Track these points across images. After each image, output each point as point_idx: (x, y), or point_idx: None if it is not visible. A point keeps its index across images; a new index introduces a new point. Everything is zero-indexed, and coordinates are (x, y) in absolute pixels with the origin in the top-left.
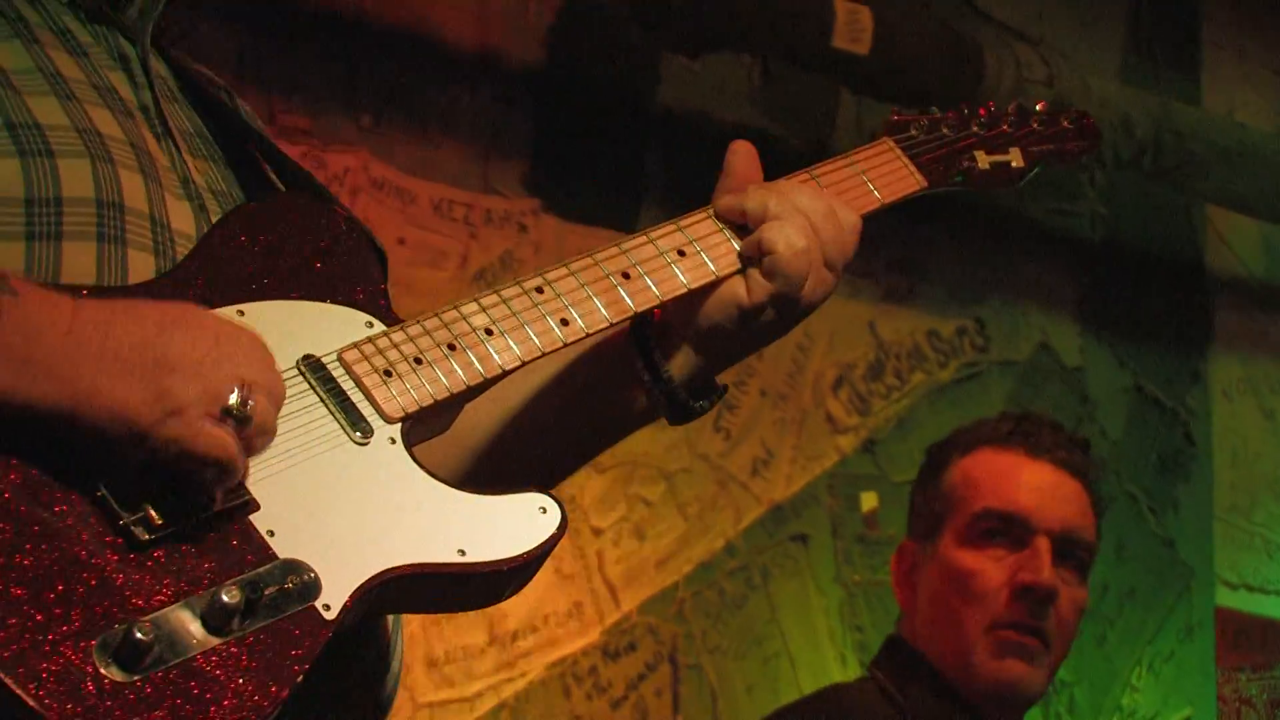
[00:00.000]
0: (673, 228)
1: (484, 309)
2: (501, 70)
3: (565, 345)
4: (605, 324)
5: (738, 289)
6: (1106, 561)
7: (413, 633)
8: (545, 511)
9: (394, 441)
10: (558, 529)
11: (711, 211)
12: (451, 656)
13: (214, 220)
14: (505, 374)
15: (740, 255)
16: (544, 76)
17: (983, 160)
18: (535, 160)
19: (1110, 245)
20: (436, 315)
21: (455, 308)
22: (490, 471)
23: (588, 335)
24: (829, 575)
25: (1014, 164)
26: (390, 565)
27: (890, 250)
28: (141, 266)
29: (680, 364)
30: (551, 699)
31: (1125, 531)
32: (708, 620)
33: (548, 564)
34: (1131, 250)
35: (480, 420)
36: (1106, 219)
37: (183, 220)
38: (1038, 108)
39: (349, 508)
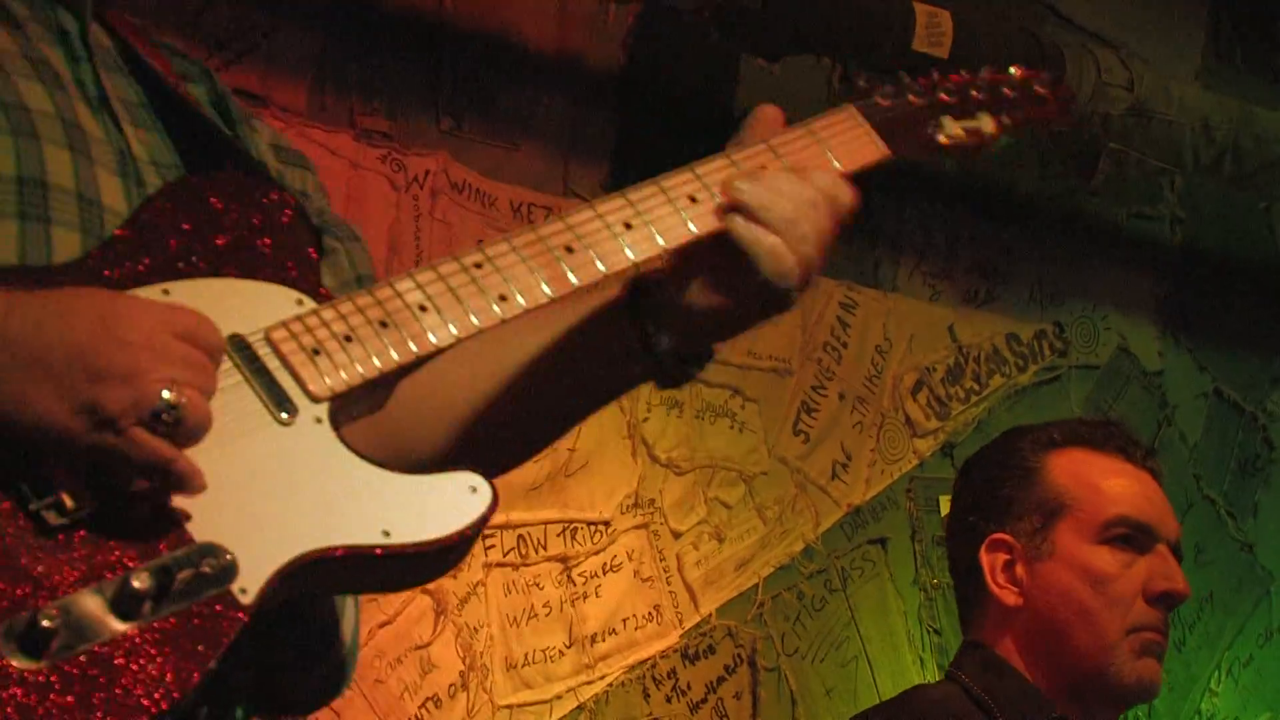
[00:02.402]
0: (621, 201)
1: (420, 285)
2: (581, 73)
3: (503, 321)
4: (546, 299)
5: (734, 280)
6: (1185, 566)
7: (491, 634)
8: (476, 491)
9: (320, 421)
10: (488, 508)
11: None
12: (531, 659)
13: (149, 194)
14: (439, 351)
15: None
16: (623, 79)
17: (952, 126)
18: (614, 163)
19: (1190, 249)
20: (369, 293)
21: (390, 284)
22: (468, 441)
23: (526, 311)
24: (907, 578)
25: (985, 130)
26: (312, 547)
27: (970, 254)
28: (67, 245)
29: (672, 337)
30: (631, 702)
31: (1204, 536)
32: (786, 623)
33: (626, 567)
34: (1211, 254)
35: (457, 389)
36: (1186, 223)
37: (114, 196)
38: (1012, 71)
39: (271, 489)
